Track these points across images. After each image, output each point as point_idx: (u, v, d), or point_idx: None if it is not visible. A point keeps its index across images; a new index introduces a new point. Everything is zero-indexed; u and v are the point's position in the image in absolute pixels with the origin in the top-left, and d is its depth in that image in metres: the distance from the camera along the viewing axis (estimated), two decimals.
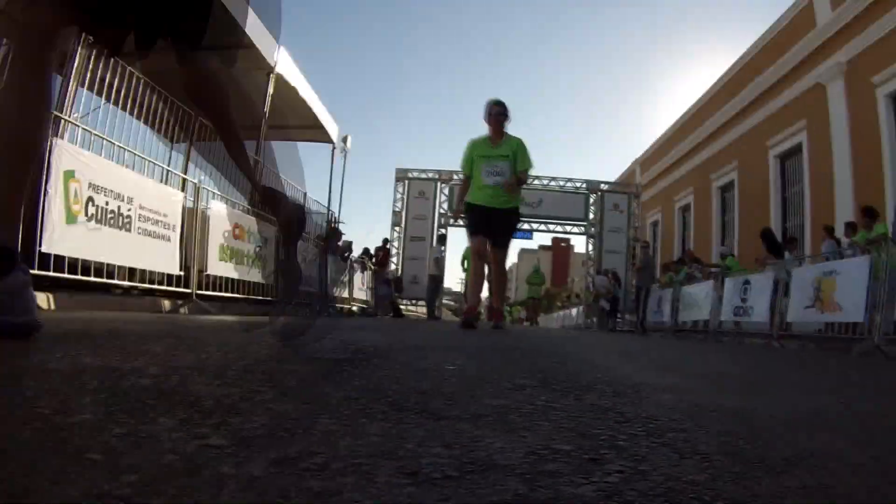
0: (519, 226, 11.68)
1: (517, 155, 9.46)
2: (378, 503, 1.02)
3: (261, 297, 11.76)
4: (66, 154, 7.10)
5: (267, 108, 14.44)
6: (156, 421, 1.42)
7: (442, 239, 23.96)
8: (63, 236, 7.03)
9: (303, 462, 1.19)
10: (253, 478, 1.07)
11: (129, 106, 9.59)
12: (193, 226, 9.64)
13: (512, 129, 9.73)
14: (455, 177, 28.60)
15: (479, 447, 1.44)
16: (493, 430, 1.64)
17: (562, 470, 1.30)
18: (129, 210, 8.12)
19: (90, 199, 7.45)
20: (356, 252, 21.47)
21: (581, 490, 1.17)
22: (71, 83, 8.49)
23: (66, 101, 8.47)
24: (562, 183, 29.80)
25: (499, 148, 9.52)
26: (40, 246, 6.79)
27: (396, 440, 1.44)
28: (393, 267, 27.40)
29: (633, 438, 1.69)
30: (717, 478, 1.32)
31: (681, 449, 1.59)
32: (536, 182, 29.22)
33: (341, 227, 20.27)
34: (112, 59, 8.90)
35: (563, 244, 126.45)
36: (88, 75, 8.81)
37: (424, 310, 24.61)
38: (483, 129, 9.82)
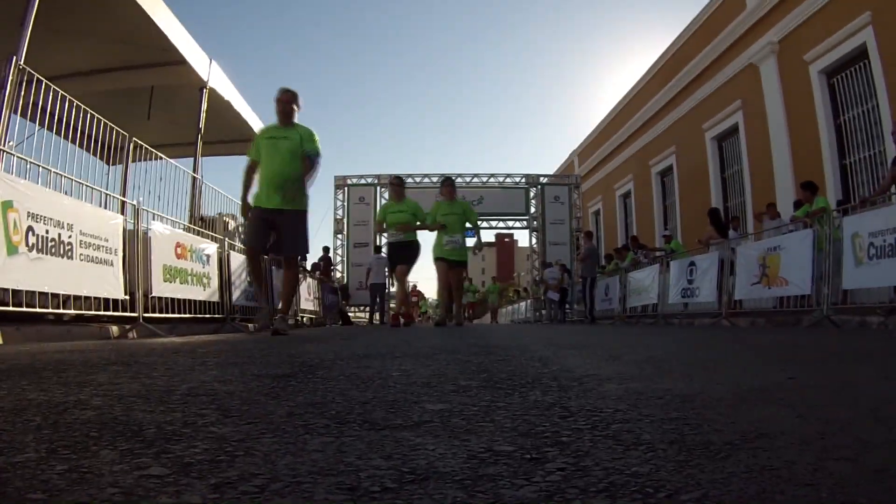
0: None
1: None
2: None
3: (209, 315, 11.64)
4: (2, 184, 6.94)
5: (202, 124, 14.26)
6: (97, 454, 1.43)
7: (379, 248, 23.77)
8: (5, 268, 6.88)
9: (242, 485, 1.20)
10: None
11: (63, 130, 9.44)
12: (135, 248, 9.51)
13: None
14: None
15: (419, 456, 1.46)
16: (434, 437, 1.66)
17: (502, 473, 1.31)
18: (69, 237, 7.97)
19: (30, 228, 7.29)
20: (307, 266, 21.30)
21: (521, 492, 1.18)
22: (3, 110, 8.35)
23: (0, 129, 8.33)
24: (501, 179, 29.93)
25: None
26: None
27: (337, 455, 1.46)
28: (339, 274, 27.29)
29: (577, 433, 1.71)
30: (660, 468, 1.33)
31: (625, 440, 1.61)
32: (476, 180, 29.43)
33: None
34: (44, 84, 8.78)
35: (506, 240, 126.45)
36: (21, 101, 8.67)
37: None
38: None
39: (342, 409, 2.08)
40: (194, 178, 14.09)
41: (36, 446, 1.51)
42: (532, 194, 29.87)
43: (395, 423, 1.86)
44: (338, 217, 28.96)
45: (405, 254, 12.83)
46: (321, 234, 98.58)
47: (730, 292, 14.26)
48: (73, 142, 9.74)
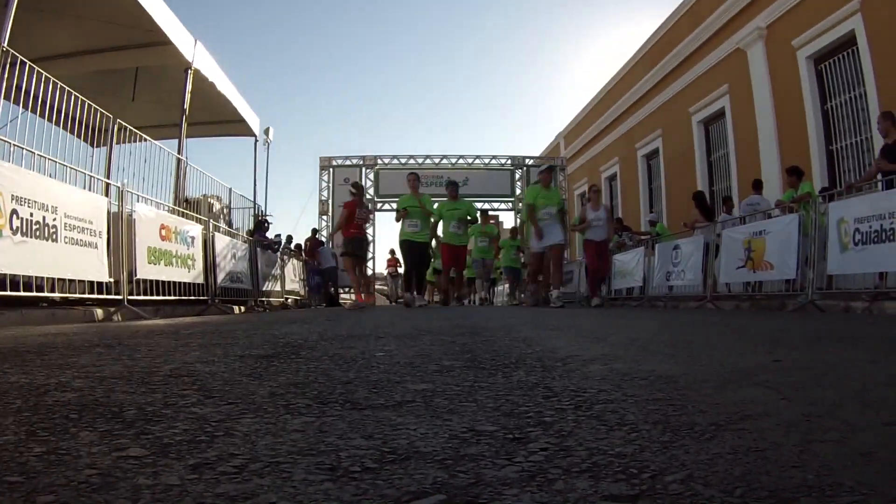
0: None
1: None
2: None
3: (193, 297, 11.60)
4: None
5: (187, 106, 14.15)
6: (76, 436, 1.42)
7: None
8: None
9: (221, 465, 1.19)
10: (168, 487, 1.07)
11: (47, 113, 9.37)
12: (120, 230, 9.44)
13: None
14: (379, 161, 29.07)
15: (400, 435, 1.45)
16: (416, 417, 1.66)
17: (484, 452, 1.31)
18: (54, 220, 7.91)
19: (14, 211, 7.24)
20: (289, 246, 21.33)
21: (503, 472, 1.18)
22: None
23: None
24: (486, 160, 30.02)
25: None
26: None
27: (318, 435, 1.45)
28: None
29: (561, 413, 1.71)
30: (644, 448, 1.33)
31: (609, 421, 1.60)
32: (461, 161, 29.36)
33: (269, 220, 19.97)
34: (28, 66, 8.71)
35: (492, 221, 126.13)
36: (4, 84, 8.60)
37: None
38: None
39: (324, 389, 2.08)
40: (179, 160, 14.02)
41: (15, 429, 1.50)
42: (517, 176, 29.93)
43: (377, 403, 1.85)
44: (322, 198, 28.78)
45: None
46: (306, 216, 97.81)
47: (715, 276, 14.29)
48: (58, 124, 9.67)
